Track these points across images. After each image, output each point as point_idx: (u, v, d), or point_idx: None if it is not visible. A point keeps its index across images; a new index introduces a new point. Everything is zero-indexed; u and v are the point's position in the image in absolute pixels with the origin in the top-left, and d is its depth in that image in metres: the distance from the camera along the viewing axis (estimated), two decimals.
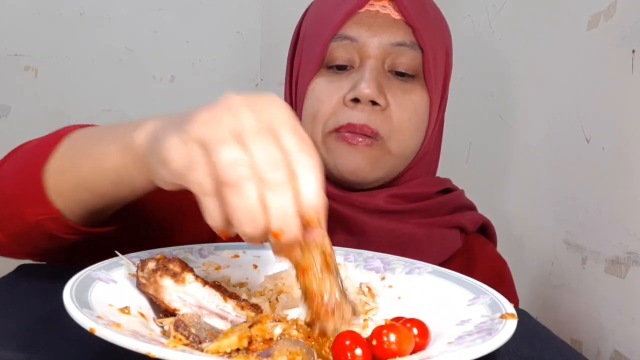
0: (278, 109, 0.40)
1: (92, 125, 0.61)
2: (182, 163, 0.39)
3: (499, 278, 0.78)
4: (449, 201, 0.79)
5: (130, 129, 0.49)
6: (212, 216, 0.39)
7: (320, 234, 0.41)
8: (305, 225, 0.39)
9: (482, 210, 0.87)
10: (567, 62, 0.85)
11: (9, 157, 0.61)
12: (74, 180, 0.53)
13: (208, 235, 0.67)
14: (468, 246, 0.78)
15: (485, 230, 0.82)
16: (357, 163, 0.70)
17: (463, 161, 1.18)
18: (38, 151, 0.57)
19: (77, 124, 0.61)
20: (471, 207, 0.82)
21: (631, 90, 0.70)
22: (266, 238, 0.39)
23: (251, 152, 0.38)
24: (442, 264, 0.73)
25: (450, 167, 0.91)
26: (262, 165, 0.38)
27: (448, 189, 0.81)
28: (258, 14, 1.38)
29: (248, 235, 0.38)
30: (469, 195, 0.87)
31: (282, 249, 0.40)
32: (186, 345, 0.41)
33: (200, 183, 0.38)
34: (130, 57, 1.34)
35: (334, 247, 0.61)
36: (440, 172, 0.88)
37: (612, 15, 0.75)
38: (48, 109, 1.31)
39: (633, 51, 0.69)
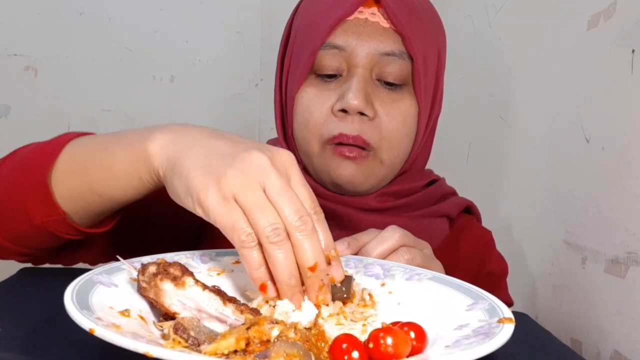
0: (290, 162, 0.49)
1: (90, 133, 0.62)
2: (226, 222, 0.45)
3: (484, 247, 0.82)
4: (434, 192, 0.82)
5: (138, 137, 0.53)
6: (253, 264, 0.46)
7: (340, 269, 0.49)
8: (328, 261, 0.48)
9: (482, 209, 0.87)
10: (567, 62, 0.85)
11: (7, 160, 0.62)
12: (84, 185, 0.56)
13: (196, 229, 0.72)
14: (453, 227, 0.81)
15: (470, 211, 0.85)
16: (352, 174, 0.72)
17: (463, 161, 1.18)
18: (41, 156, 0.58)
19: (74, 132, 0.62)
20: (453, 193, 0.85)
21: (631, 90, 0.70)
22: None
23: (281, 210, 0.46)
24: (433, 251, 0.75)
25: (450, 167, 0.91)
26: (293, 219, 0.46)
27: (433, 180, 0.83)
28: (258, 14, 1.38)
29: (281, 282, 0.46)
30: (469, 195, 0.87)
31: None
32: (185, 347, 0.41)
33: (243, 241, 0.45)
34: (130, 57, 1.34)
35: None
36: (441, 172, 0.88)
37: (612, 15, 0.74)
38: (48, 109, 1.31)
39: (633, 51, 0.69)
